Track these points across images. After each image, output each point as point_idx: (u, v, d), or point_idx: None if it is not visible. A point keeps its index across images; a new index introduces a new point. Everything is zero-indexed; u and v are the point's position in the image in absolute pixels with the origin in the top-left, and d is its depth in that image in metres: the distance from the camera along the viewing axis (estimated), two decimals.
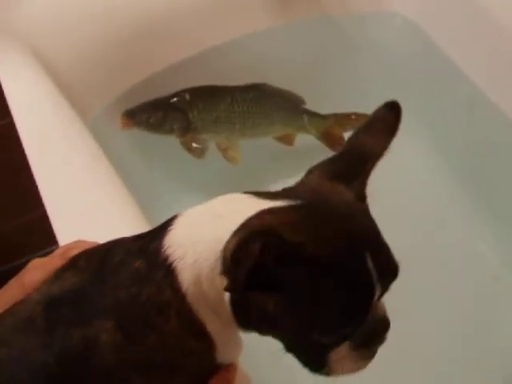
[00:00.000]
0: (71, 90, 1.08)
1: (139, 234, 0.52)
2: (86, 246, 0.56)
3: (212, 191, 1.18)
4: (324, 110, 1.28)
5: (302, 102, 1.27)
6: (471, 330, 1.09)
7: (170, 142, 1.24)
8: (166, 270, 0.48)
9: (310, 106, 1.28)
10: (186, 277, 0.47)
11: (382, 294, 0.49)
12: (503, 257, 1.18)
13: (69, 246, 0.57)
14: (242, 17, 1.37)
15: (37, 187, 0.85)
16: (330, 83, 1.37)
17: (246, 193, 0.51)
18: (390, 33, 1.45)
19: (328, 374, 0.51)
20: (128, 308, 0.48)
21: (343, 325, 0.47)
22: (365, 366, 0.51)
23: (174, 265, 0.47)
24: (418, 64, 1.42)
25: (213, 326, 0.49)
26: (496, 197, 1.22)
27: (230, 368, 0.53)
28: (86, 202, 0.83)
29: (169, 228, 0.49)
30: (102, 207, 0.83)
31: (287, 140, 1.27)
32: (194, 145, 1.21)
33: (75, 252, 0.54)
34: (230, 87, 1.25)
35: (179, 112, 1.21)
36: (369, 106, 1.29)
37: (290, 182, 0.54)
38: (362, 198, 0.53)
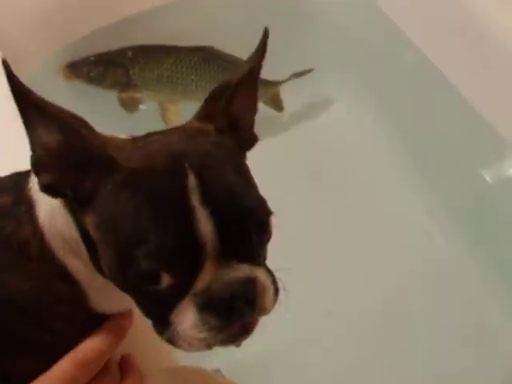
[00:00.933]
0: (9, 44, 1.04)
1: (20, 171, 0.53)
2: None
3: None
4: (270, 75, 1.27)
5: None
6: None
7: (110, 98, 1.23)
8: (28, 205, 0.49)
9: None
10: (41, 210, 0.49)
11: (229, 241, 0.46)
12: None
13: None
14: None
15: None
16: (275, 49, 1.34)
17: None
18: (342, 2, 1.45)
19: (171, 340, 0.48)
20: None
21: (159, 242, 0.44)
22: (213, 342, 0.47)
23: (33, 199, 0.49)
24: (365, 30, 1.44)
25: (77, 270, 0.50)
26: (433, 156, 1.26)
27: (124, 314, 0.53)
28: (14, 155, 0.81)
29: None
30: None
31: None
32: (129, 100, 1.19)
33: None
34: (175, 47, 1.25)
35: (120, 68, 1.21)
36: (317, 70, 1.31)
37: None
38: (231, 124, 0.53)
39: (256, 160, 1.29)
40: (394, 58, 1.38)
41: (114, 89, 1.22)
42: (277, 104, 1.29)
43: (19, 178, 0.51)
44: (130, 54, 1.23)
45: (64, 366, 0.49)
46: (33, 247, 0.48)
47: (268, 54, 1.29)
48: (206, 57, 1.25)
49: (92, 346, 0.50)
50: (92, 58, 1.23)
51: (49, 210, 0.49)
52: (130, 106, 1.19)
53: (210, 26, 1.35)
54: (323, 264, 1.13)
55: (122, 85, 1.21)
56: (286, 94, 1.35)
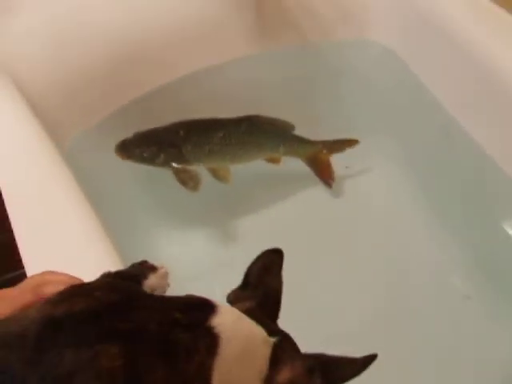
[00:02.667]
0: (47, 118, 1.08)
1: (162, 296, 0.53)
2: (57, 279, 0.54)
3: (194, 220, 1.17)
4: (304, 134, 1.29)
5: (292, 128, 1.29)
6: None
7: (150, 171, 1.25)
8: (208, 338, 0.48)
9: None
10: (225, 354, 0.48)
11: None
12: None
13: (38, 281, 0.54)
14: (222, 44, 1.39)
15: (7, 215, 0.84)
16: (309, 109, 1.39)
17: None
18: (370, 61, 1.48)
19: None
20: (151, 339, 0.46)
21: None
22: None
23: (221, 335, 0.48)
24: (396, 91, 1.44)
25: None
26: (465, 220, 1.23)
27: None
28: (55, 231, 0.82)
29: (214, 306, 0.51)
30: (71, 238, 0.82)
31: (274, 160, 1.28)
32: (187, 178, 1.20)
33: (50, 289, 0.52)
34: (224, 120, 1.27)
35: (174, 147, 1.21)
36: (350, 129, 1.34)
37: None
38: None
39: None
40: (424, 119, 1.38)
41: (165, 166, 1.22)
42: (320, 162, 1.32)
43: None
44: (181, 132, 1.23)
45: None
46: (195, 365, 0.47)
47: (300, 116, 1.33)
48: (252, 125, 1.26)
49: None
50: (143, 137, 1.23)
51: (233, 361, 0.50)
52: (190, 184, 1.20)
53: (244, 90, 1.38)
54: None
55: (175, 162, 1.21)
56: None
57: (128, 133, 1.22)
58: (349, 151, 1.29)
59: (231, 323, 0.50)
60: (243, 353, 0.50)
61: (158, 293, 0.65)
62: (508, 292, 1.14)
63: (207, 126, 1.26)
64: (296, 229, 1.24)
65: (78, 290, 0.50)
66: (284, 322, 0.57)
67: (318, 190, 1.31)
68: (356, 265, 1.19)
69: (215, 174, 1.21)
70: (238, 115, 1.26)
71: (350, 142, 1.28)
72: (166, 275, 0.68)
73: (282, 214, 1.27)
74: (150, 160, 1.21)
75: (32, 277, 0.57)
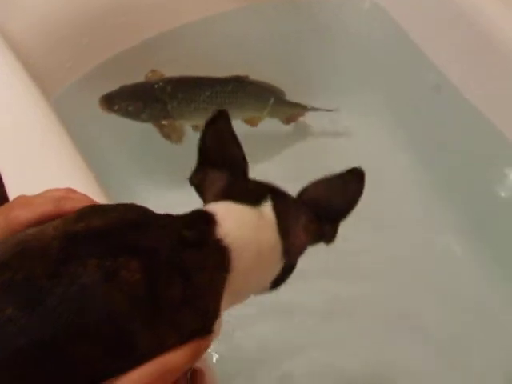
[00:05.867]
0: (35, 67, 1.06)
1: (168, 214, 0.53)
2: (80, 198, 0.55)
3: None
4: (292, 92, 1.30)
5: (282, 94, 1.30)
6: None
7: (135, 125, 1.23)
8: (219, 249, 0.51)
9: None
10: (239, 261, 0.52)
11: None
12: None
13: (60, 195, 0.55)
14: None
15: None
16: (298, 65, 1.38)
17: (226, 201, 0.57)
18: (359, 17, 1.46)
19: None
20: (165, 257, 0.48)
21: None
22: None
23: (230, 248, 0.52)
24: (385, 47, 1.43)
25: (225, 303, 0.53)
26: (454, 178, 1.24)
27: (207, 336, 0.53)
28: (45, 180, 0.82)
29: (213, 219, 0.53)
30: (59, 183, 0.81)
31: (253, 122, 1.29)
32: (171, 131, 1.21)
33: (70, 204, 0.53)
34: (212, 78, 1.26)
35: (159, 103, 1.21)
36: (338, 85, 1.33)
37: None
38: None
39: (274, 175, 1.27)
40: (414, 75, 1.38)
41: (149, 122, 1.22)
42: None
43: (187, 220, 0.54)
44: (169, 89, 1.22)
45: (144, 372, 0.47)
46: (208, 275, 0.51)
47: (289, 74, 1.32)
48: (239, 85, 1.26)
49: (175, 359, 0.49)
50: (130, 91, 1.22)
51: (249, 263, 0.55)
52: (174, 137, 1.21)
53: (229, 45, 1.37)
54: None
55: (159, 118, 1.21)
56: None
57: (112, 86, 1.21)
58: (339, 113, 1.30)
59: (236, 231, 0.53)
60: (256, 258, 0.54)
61: None
62: (499, 251, 1.15)
63: (195, 83, 1.25)
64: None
65: (94, 210, 0.51)
66: None
67: (299, 150, 1.33)
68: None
69: (198, 130, 1.22)
70: (225, 71, 1.25)
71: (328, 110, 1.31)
72: None
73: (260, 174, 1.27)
74: (135, 115, 1.20)
75: (55, 189, 0.57)
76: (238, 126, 1.24)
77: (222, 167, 0.60)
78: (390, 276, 1.14)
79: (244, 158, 0.62)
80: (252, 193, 0.59)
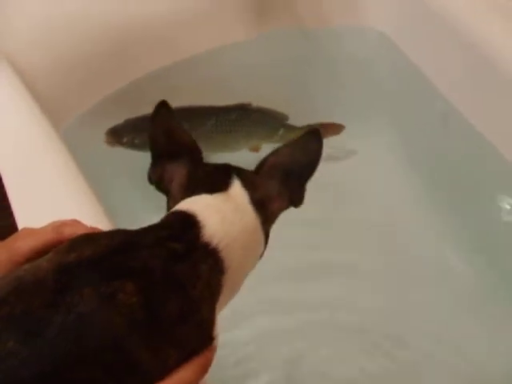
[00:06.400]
0: (45, 99, 1.07)
1: (151, 226, 0.54)
2: (81, 227, 0.56)
3: None
4: (299, 119, 1.29)
5: (286, 118, 1.29)
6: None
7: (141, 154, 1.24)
8: (209, 253, 0.52)
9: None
10: (231, 258, 0.53)
11: None
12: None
13: (62, 222, 0.56)
14: (217, 28, 1.39)
15: (6, 195, 0.84)
16: (304, 92, 1.39)
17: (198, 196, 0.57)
18: (367, 47, 1.48)
19: None
20: (158, 276, 0.49)
21: None
22: None
23: (220, 248, 0.52)
24: (393, 77, 1.45)
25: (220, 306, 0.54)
26: (464, 208, 1.23)
27: (210, 348, 0.53)
28: (54, 210, 0.82)
29: (196, 221, 0.53)
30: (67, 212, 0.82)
31: (254, 148, 1.28)
32: None
33: (69, 230, 0.54)
34: (215, 107, 1.26)
35: None
36: (346, 115, 1.34)
37: None
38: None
39: None
40: (422, 105, 1.38)
41: None
42: None
43: (172, 232, 0.54)
44: None
45: None
46: (204, 281, 0.52)
47: (295, 99, 1.33)
48: (244, 113, 1.26)
49: (188, 375, 0.49)
50: (135, 123, 1.22)
51: (239, 258, 0.55)
52: None
53: (239, 74, 1.38)
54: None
55: None
56: None
57: (121, 117, 1.23)
58: (344, 138, 1.28)
59: (221, 229, 0.54)
60: (246, 245, 0.55)
61: None
62: (502, 268, 1.15)
63: (198, 112, 1.26)
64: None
65: (84, 239, 0.51)
66: None
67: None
68: (348, 245, 1.19)
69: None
70: (234, 100, 1.26)
71: (334, 127, 1.27)
72: None
73: None
74: (141, 146, 1.20)
75: (58, 220, 0.58)
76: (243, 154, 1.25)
77: (177, 157, 0.60)
78: (390, 290, 1.14)
79: (195, 143, 0.63)
80: (217, 177, 0.59)
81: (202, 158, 0.62)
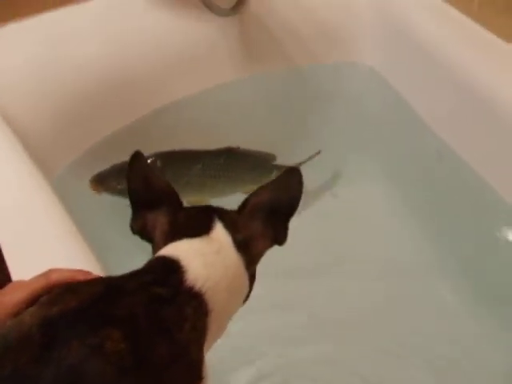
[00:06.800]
0: (35, 147, 1.07)
1: (135, 272, 0.54)
2: (67, 274, 0.56)
3: None
4: (294, 158, 1.27)
5: (273, 158, 1.27)
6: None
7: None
8: (192, 296, 0.52)
9: (278, 154, 1.28)
10: (215, 300, 0.53)
11: None
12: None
13: (48, 269, 0.57)
14: (207, 69, 1.40)
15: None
16: (298, 133, 1.39)
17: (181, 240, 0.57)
18: (358, 83, 1.49)
19: None
20: (144, 321, 0.49)
21: None
22: None
23: (203, 291, 0.53)
24: (384, 113, 1.45)
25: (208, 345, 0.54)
26: (458, 243, 1.22)
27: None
28: (47, 260, 0.81)
29: (179, 265, 0.54)
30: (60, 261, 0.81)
31: (250, 191, 1.25)
32: None
33: (57, 275, 0.55)
34: (202, 152, 1.25)
35: None
36: (337, 152, 1.34)
37: None
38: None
39: None
40: (414, 142, 1.38)
41: None
42: None
43: (155, 276, 0.54)
44: (159, 163, 1.21)
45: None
46: (191, 323, 0.52)
47: (288, 137, 1.33)
48: (231, 157, 1.24)
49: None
50: (119, 169, 1.20)
51: (223, 299, 0.56)
52: None
53: (230, 115, 1.38)
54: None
55: None
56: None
57: (110, 163, 1.21)
58: (336, 174, 1.29)
59: (204, 272, 0.54)
60: (229, 286, 0.56)
61: None
62: (491, 296, 1.14)
63: (185, 157, 1.24)
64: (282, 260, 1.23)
65: (66, 290, 0.51)
66: None
67: (304, 220, 1.30)
68: (349, 286, 1.18)
69: None
70: (226, 140, 1.25)
71: (313, 155, 1.27)
72: None
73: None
74: (126, 192, 1.19)
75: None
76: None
77: (157, 206, 0.60)
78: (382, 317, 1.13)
79: (173, 189, 0.62)
80: (199, 220, 0.59)
81: (181, 203, 0.62)
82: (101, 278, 0.54)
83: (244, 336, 0.98)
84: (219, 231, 0.58)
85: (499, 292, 1.14)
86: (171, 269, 0.54)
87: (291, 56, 1.48)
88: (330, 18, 1.46)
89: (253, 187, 1.21)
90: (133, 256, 1.18)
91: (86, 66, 1.25)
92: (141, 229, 0.61)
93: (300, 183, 0.62)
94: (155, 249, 0.59)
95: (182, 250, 0.56)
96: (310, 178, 1.30)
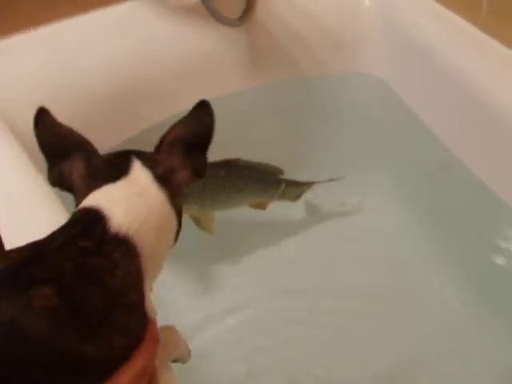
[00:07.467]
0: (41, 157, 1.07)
1: (61, 227, 0.54)
2: None
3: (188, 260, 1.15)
4: (300, 169, 1.28)
5: (280, 172, 1.23)
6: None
7: None
8: (119, 242, 0.53)
9: (284, 166, 1.24)
10: (143, 241, 0.54)
11: None
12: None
13: None
14: (213, 79, 1.40)
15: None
16: (304, 144, 1.38)
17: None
18: (365, 93, 1.48)
19: None
20: (74, 275, 0.49)
21: None
22: None
23: (130, 235, 0.53)
24: (391, 124, 1.44)
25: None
26: (466, 256, 1.20)
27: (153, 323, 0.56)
28: None
29: (102, 215, 0.54)
30: None
31: (260, 205, 1.23)
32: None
33: None
34: None
35: None
36: (344, 163, 1.33)
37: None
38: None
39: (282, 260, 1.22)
40: (421, 152, 1.37)
41: None
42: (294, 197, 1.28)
43: (78, 230, 0.54)
44: None
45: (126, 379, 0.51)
46: (122, 269, 0.53)
47: (294, 149, 1.31)
48: (232, 170, 1.20)
49: (140, 363, 0.52)
50: None
51: (151, 243, 0.56)
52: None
53: (236, 126, 1.36)
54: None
55: None
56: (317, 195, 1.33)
57: None
58: (344, 188, 1.27)
59: (127, 216, 0.54)
60: (157, 224, 0.56)
61: None
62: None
63: None
64: (288, 275, 1.21)
65: None
66: None
67: (311, 234, 1.29)
68: (357, 306, 1.16)
69: (198, 223, 1.17)
70: (229, 152, 1.21)
71: (333, 179, 1.25)
72: None
73: (272, 262, 1.24)
74: None
75: None
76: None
77: (71, 154, 0.60)
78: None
79: (85, 139, 0.62)
80: (116, 163, 0.59)
81: (96, 150, 0.62)
82: (30, 242, 0.53)
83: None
84: (138, 169, 0.58)
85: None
86: (94, 219, 0.54)
87: (298, 66, 1.47)
88: (338, 28, 1.46)
89: (259, 199, 1.22)
90: None
91: (93, 77, 1.25)
92: (58, 179, 0.60)
93: (211, 115, 0.63)
94: (77, 196, 0.59)
95: (102, 198, 0.56)
96: (316, 190, 1.32)
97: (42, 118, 0.62)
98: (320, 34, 1.46)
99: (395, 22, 1.40)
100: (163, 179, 0.59)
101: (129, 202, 0.56)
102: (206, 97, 1.34)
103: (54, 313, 0.47)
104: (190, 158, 0.62)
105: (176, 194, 0.61)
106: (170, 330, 0.68)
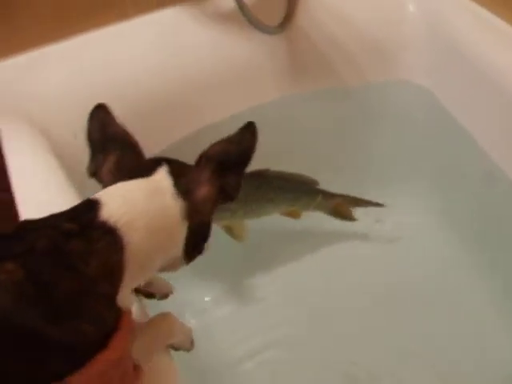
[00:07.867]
0: (76, 168, 1.07)
1: (61, 212, 0.55)
2: None
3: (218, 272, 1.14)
4: (337, 180, 1.26)
5: (314, 183, 1.23)
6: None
7: None
8: (106, 231, 0.53)
9: (324, 175, 1.23)
10: (131, 235, 0.54)
11: None
12: None
13: None
14: (252, 87, 1.38)
15: None
16: (344, 154, 1.36)
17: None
18: (407, 102, 1.44)
19: None
20: (44, 252, 0.50)
21: None
22: None
23: (117, 226, 0.53)
24: (433, 132, 1.40)
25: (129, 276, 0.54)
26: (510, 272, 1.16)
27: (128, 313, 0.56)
28: None
29: (98, 205, 0.55)
30: None
31: (293, 214, 1.23)
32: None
33: None
34: None
35: None
36: (384, 174, 1.30)
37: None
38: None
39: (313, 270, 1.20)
40: (464, 164, 1.33)
41: None
42: (345, 215, 1.26)
43: (69, 217, 0.55)
44: None
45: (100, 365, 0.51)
46: (101, 258, 0.53)
47: (333, 159, 1.30)
48: (262, 180, 1.21)
49: (113, 355, 0.52)
50: None
51: (143, 236, 0.57)
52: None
53: (275, 134, 1.35)
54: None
55: None
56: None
57: None
58: (384, 198, 1.25)
59: (120, 208, 0.54)
60: (150, 225, 0.56)
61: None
62: None
63: None
64: (318, 286, 1.22)
65: None
66: None
67: (343, 246, 1.28)
68: (393, 323, 1.16)
69: (229, 232, 1.18)
70: (267, 161, 1.21)
71: (374, 204, 1.24)
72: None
73: (305, 272, 1.24)
74: None
75: None
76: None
77: (112, 150, 0.62)
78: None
79: (130, 136, 0.64)
80: (145, 165, 0.61)
81: (138, 151, 0.64)
82: (24, 219, 0.55)
83: None
84: (161, 175, 0.59)
85: None
86: (90, 207, 0.55)
87: (339, 74, 1.44)
88: (381, 35, 1.43)
89: (291, 208, 1.20)
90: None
91: (131, 85, 1.26)
92: (95, 171, 0.63)
93: (253, 135, 0.63)
94: (103, 188, 0.61)
95: (108, 191, 0.57)
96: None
97: (97, 113, 0.65)
98: (362, 42, 1.43)
99: (439, 28, 1.36)
100: (183, 190, 0.59)
101: (127, 197, 0.56)
102: (245, 105, 1.35)
103: (18, 287, 0.47)
104: (220, 176, 0.62)
105: (195, 208, 0.60)
106: (166, 317, 0.68)
